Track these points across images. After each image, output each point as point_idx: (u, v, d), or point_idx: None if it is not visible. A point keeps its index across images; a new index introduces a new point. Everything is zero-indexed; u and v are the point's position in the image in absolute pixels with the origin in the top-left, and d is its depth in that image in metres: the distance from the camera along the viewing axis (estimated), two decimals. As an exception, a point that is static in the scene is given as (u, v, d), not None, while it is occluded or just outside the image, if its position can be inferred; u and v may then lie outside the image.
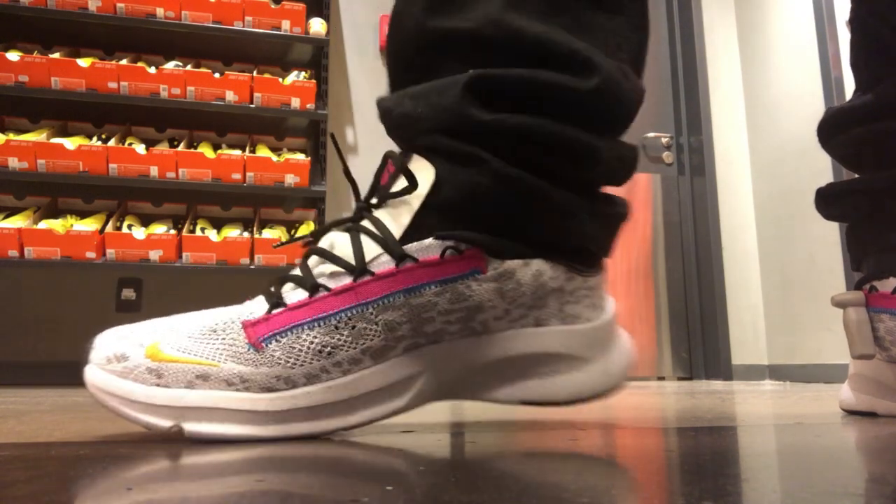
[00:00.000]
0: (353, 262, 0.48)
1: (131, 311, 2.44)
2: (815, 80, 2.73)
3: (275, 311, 0.48)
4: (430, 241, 0.48)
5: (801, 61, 2.83)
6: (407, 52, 0.51)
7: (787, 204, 2.87)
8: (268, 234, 2.33)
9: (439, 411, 0.96)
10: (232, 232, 2.34)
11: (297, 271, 0.50)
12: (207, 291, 2.51)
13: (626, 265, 2.99)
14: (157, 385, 0.46)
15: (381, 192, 0.51)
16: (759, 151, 3.08)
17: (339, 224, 0.52)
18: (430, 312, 0.48)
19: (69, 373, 2.63)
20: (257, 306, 0.49)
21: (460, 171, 0.47)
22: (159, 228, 2.28)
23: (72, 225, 2.22)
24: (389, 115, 0.52)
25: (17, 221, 2.19)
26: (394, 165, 0.50)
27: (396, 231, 0.49)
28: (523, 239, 0.49)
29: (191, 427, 0.46)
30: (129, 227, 2.26)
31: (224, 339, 0.48)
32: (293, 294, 0.49)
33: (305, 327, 0.47)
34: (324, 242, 0.51)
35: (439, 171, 0.48)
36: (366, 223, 0.50)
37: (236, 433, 0.46)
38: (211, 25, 2.42)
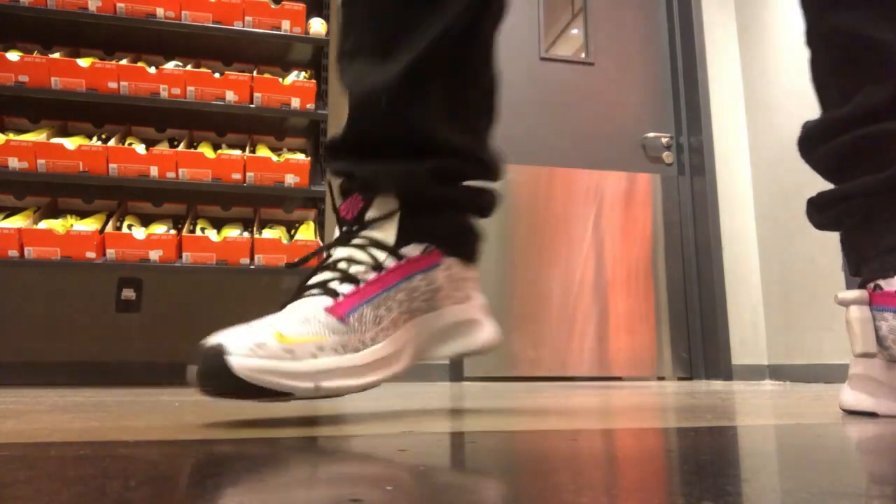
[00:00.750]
0: (373, 262, 0.70)
1: (131, 311, 2.44)
2: (815, 80, 2.73)
3: (341, 297, 0.67)
4: (413, 245, 0.73)
5: (801, 61, 2.81)
6: (374, 136, 0.76)
7: (787, 204, 2.87)
8: (268, 234, 2.33)
9: (439, 412, 0.96)
10: (232, 232, 2.34)
11: (328, 273, 0.70)
12: (207, 291, 2.51)
13: (626, 265, 2.99)
14: (292, 360, 0.61)
15: (369, 218, 0.73)
16: (759, 151, 3.08)
17: (342, 243, 0.73)
18: (416, 293, 0.73)
19: (69, 373, 2.64)
20: (317, 301, 0.67)
21: (418, 208, 0.74)
22: (159, 228, 2.28)
23: (72, 225, 2.22)
24: (354, 179, 0.77)
25: (17, 221, 2.19)
26: (363, 200, 0.74)
27: (391, 241, 0.72)
28: (451, 244, 0.77)
29: (324, 384, 0.63)
30: (129, 227, 2.26)
31: (319, 321, 0.65)
32: (345, 286, 0.69)
33: (364, 305, 0.68)
34: (341, 253, 0.71)
35: (402, 205, 0.73)
36: (366, 238, 0.72)
37: (345, 385, 0.65)
38: (211, 25, 2.42)
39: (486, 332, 0.80)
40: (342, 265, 0.70)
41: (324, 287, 0.68)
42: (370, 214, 0.73)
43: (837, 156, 0.87)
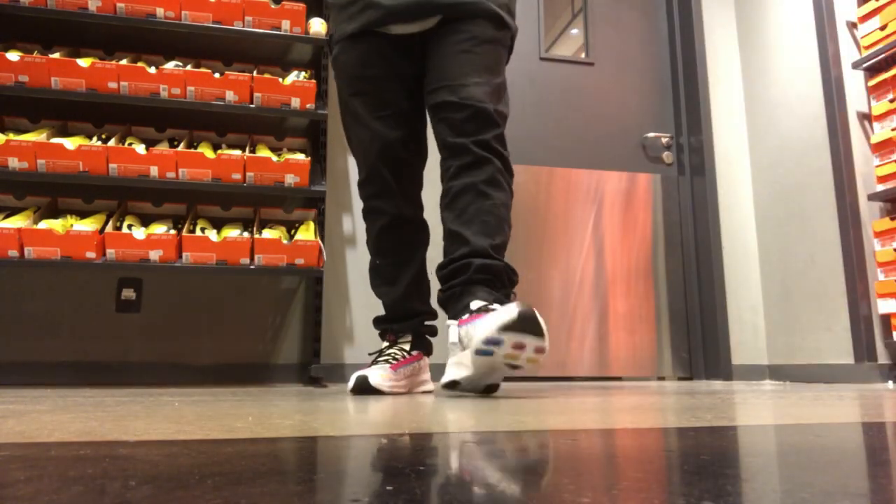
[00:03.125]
0: (402, 355, 1.68)
1: (131, 311, 2.44)
2: (815, 80, 2.73)
3: (393, 363, 1.66)
4: (415, 351, 1.73)
5: (801, 61, 2.83)
6: (396, 315, 1.77)
7: (787, 204, 2.87)
8: (268, 234, 2.33)
9: (439, 412, 0.96)
10: (232, 232, 2.34)
11: (388, 356, 1.67)
12: (207, 291, 2.51)
13: (626, 265, 2.99)
14: (392, 382, 1.63)
15: (400, 341, 1.74)
16: (759, 151, 3.08)
17: (391, 347, 1.72)
18: (414, 368, 1.72)
19: (69, 373, 2.64)
20: (385, 365, 1.64)
21: (415, 338, 1.75)
22: (159, 228, 2.28)
23: (72, 225, 2.22)
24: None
25: (17, 221, 2.19)
26: (395, 335, 1.75)
27: (407, 349, 1.72)
28: (426, 352, 1.81)
29: (395, 391, 1.62)
30: (129, 227, 2.26)
31: (389, 371, 1.61)
32: (394, 361, 1.66)
33: (401, 368, 1.66)
34: (392, 351, 1.69)
35: (412, 337, 1.76)
36: (399, 348, 1.72)
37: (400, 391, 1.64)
38: (211, 25, 2.42)
39: (430, 384, 1.76)
40: (396, 355, 1.67)
41: (386, 360, 1.65)
42: (400, 341, 1.71)
43: None
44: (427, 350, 1.73)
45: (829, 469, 0.37)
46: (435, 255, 1.69)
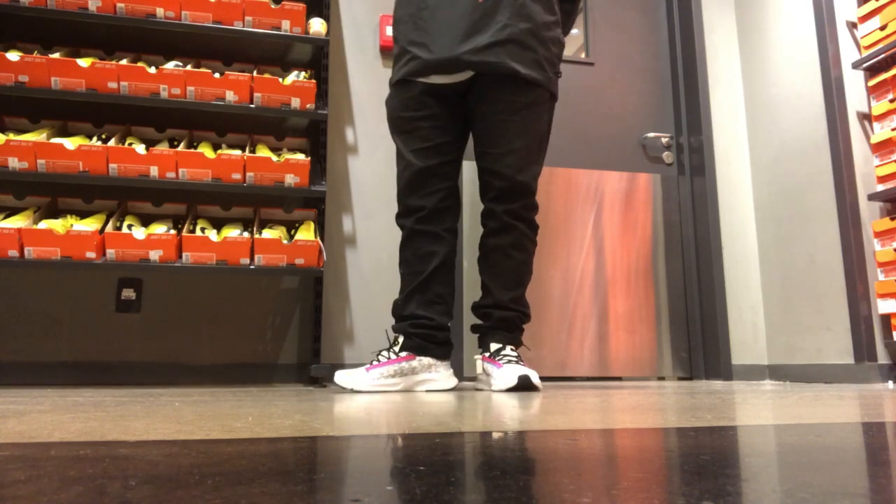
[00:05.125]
0: (389, 356, 1.91)
1: (131, 311, 2.44)
2: (815, 80, 2.73)
3: (383, 360, 1.89)
4: (405, 352, 1.90)
5: (801, 61, 2.83)
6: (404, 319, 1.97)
7: (787, 204, 2.87)
8: (268, 234, 2.33)
9: (439, 412, 0.96)
10: (232, 232, 2.34)
11: (382, 356, 1.90)
12: (207, 291, 2.51)
13: (626, 265, 2.99)
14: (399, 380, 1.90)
15: (400, 343, 1.92)
16: (759, 151, 3.08)
17: (390, 349, 1.92)
18: (404, 368, 1.89)
19: (69, 373, 2.64)
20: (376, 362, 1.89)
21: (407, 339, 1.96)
22: (159, 228, 2.27)
23: (72, 225, 2.22)
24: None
25: (17, 221, 2.19)
26: (396, 334, 1.97)
27: (397, 349, 1.91)
28: (418, 352, 1.91)
29: (383, 388, 1.84)
30: (129, 227, 2.26)
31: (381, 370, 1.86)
32: (381, 358, 1.89)
33: (388, 366, 1.87)
34: (385, 352, 1.92)
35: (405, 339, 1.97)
36: (392, 350, 1.93)
37: (388, 388, 1.85)
38: (211, 25, 2.42)
39: (440, 384, 1.89)
40: (385, 355, 1.87)
41: (371, 361, 1.86)
42: (401, 342, 1.88)
43: None
44: (421, 351, 1.88)
45: (829, 469, 0.37)
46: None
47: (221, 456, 0.42)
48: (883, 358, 2.44)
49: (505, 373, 1.78)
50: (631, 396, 1.45)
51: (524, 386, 1.74)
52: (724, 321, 2.93)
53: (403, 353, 1.87)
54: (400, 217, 1.98)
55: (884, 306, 2.43)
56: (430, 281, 1.92)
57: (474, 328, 2.01)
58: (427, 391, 1.80)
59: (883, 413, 0.93)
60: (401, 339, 1.89)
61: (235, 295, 2.53)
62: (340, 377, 1.81)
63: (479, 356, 1.98)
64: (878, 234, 2.50)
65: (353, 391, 1.76)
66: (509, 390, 1.73)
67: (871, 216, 2.54)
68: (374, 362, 1.86)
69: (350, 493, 0.30)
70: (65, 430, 0.59)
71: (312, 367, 2.33)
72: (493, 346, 1.91)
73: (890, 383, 2.38)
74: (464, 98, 1.97)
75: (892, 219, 2.44)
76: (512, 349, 1.89)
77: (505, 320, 1.94)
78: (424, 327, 1.89)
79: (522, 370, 1.76)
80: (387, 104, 2.03)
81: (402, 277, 1.98)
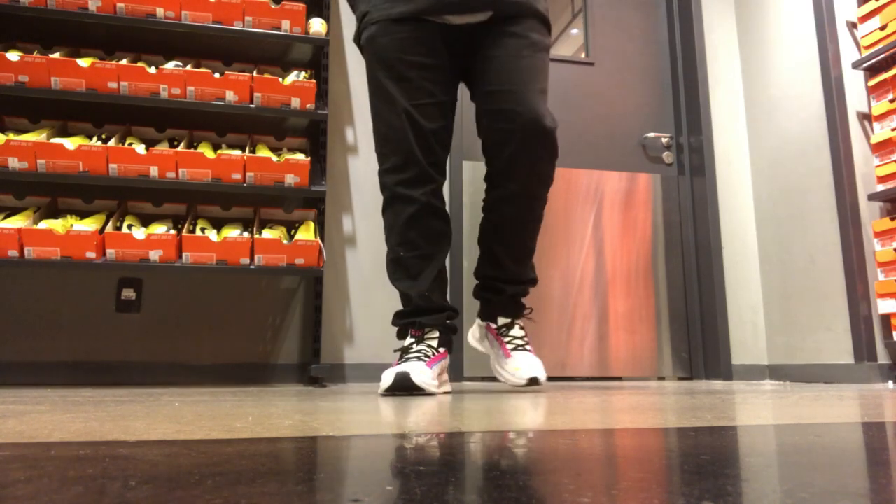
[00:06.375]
0: (431, 352, 1.66)
1: (131, 311, 2.44)
2: (815, 80, 2.73)
3: (427, 361, 1.63)
4: (442, 348, 1.70)
5: (801, 61, 2.83)
6: (420, 309, 1.72)
7: (787, 204, 2.87)
8: (268, 234, 2.33)
9: (439, 411, 0.96)
10: (232, 232, 2.34)
11: (420, 353, 1.63)
12: (207, 291, 2.51)
13: (626, 265, 2.99)
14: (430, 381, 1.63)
15: (427, 337, 1.69)
16: (759, 151, 3.08)
17: (418, 343, 1.66)
18: (442, 367, 1.71)
19: (69, 373, 2.63)
20: (421, 362, 1.60)
21: (441, 333, 1.72)
22: (159, 228, 2.27)
23: (72, 225, 2.22)
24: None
25: (17, 221, 2.19)
26: (420, 330, 1.69)
27: (435, 345, 1.68)
28: (450, 348, 1.75)
29: (432, 390, 1.60)
30: (129, 227, 2.26)
31: (427, 368, 1.61)
32: (425, 359, 1.63)
33: (434, 366, 1.65)
34: (420, 347, 1.65)
35: (440, 332, 1.73)
36: (427, 345, 1.67)
37: (433, 390, 1.60)
38: (211, 25, 2.42)
39: (447, 386, 1.74)
40: (426, 351, 1.63)
41: (418, 357, 1.60)
42: (427, 336, 1.66)
43: None
44: (450, 347, 1.73)
45: (829, 469, 0.37)
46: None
47: (221, 456, 0.42)
48: (883, 358, 2.44)
49: (515, 366, 1.67)
50: (631, 396, 1.45)
51: (534, 383, 1.65)
52: (724, 321, 2.94)
53: (441, 350, 1.66)
54: (403, 186, 1.65)
55: (884, 306, 2.43)
56: (444, 266, 1.74)
57: (479, 296, 1.81)
58: (443, 392, 1.64)
59: (883, 413, 0.93)
60: (434, 334, 1.66)
61: (235, 295, 2.53)
62: (417, 375, 1.51)
63: (483, 324, 1.82)
64: (878, 234, 2.50)
65: (420, 391, 1.51)
66: (521, 387, 1.68)
67: (871, 216, 2.54)
68: (426, 358, 1.60)
69: (350, 493, 0.30)
70: (65, 430, 0.59)
71: (312, 367, 2.33)
72: (501, 320, 1.77)
73: (890, 383, 2.38)
74: (464, 49, 1.69)
75: (892, 219, 2.44)
76: (520, 327, 1.76)
77: (516, 294, 1.77)
78: (453, 321, 1.73)
79: (532, 369, 1.65)
80: (371, 42, 1.68)
81: (404, 261, 1.68)
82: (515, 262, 1.74)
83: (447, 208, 1.84)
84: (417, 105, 1.64)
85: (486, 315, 1.82)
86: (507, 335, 1.75)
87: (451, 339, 1.74)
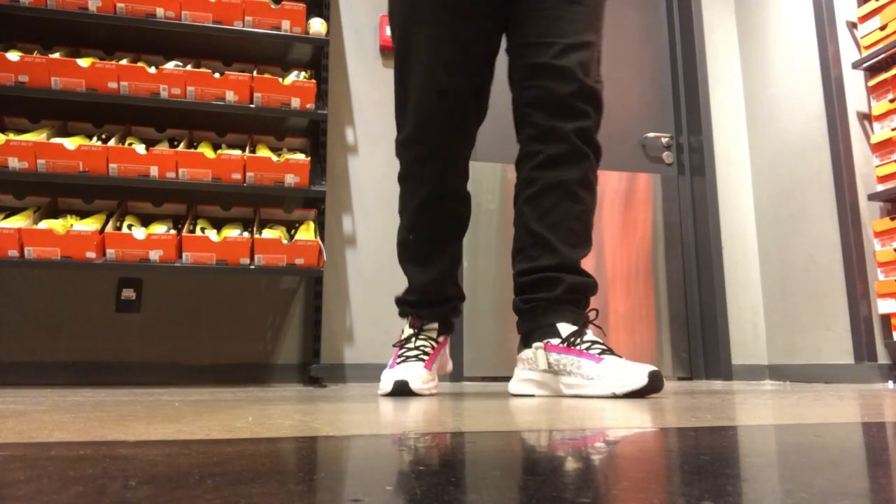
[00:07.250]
0: (431, 346, 1.53)
1: (131, 311, 2.44)
2: (815, 80, 2.73)
3: (426, 360, 1.49)
4: (442, 336, 1.58)
5: (801, 61, 2.83)
6: (424, 299, 1.57)
7: (787, 204, 2.87)
8: (268, 234, 2.33)
9: (439, 411, 0.96)
10: (232, 232, 2.34)
11: (418, 351, 1.49)
12: (207, 291, 2.51)
13: (626, 265, 2.99)
14: (424, 384, 1.46)
15: (426, 328, 1.55)
16: (759, 151, 3.08)
17: (417, 338, 1.52)
18: (443, 355, 1.61)
19: (69, 373, 2.64)
20: (419, 363, 1.48)
21: (443, 323, 1.59)
22: (159, 228, 2.28)
23: (72, 225, 2.22)
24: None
25: (17, 221, 2.19)
26: (421, 319, 1.55)
27: (435, 336, 1.56)
28: (450, 332, 1.62)
29: (433, 390, 1.50)
30: (129, 227, 2.26)
31: (424, 369, 1.47)
32: (424, 356, 1.50)
33: (433, 363, 1.54)
34: (419, 343, 1.52)
35: (439, 322, 1.58)
36: (426, 337, 1.53)
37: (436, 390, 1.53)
38: (211, 25, 2.42)
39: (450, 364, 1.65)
40: (425, 348, 1.50)
41: (417, 357, 1.47)
42: (426, 328, 1.53)
43: None
44: (450, 329, 1.56)
45: (829, 469, 0.37)
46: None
47: (221, 456, 0.42)
48: (883, 358, 2.44)
49: (616, 368, 1.21)
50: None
51: (652, 387, 1.18)
52: (724, 321, 2.93)
53: (441, 338, 1.51)
54: (416, 164, 1.44)
55: (884, 306, 2.43)
56: (459, 253, 1.54)
57: (524, 304, 1.38)
58: (446, 372, 1.64)
59: (883, 413, 0.93)
60: (434, 326, 1.52)
61: (235, 295, 2.53)
62: (415, 382, 1.38)
63: (541, 344, 1.34)
64: (878, 234, 2.50)
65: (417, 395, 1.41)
66: (629, 395, 1.19)
67: (871, 216, 2.54)
68: (425, 357, 1.46)
69: (350, 493, 0.30)
70: (65, 430, 0.59)
71: (312, 367, 2.33)
72: (565, 329, 1.31)
73: (890, 383, 2.38)
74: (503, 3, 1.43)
75: (892, 219, 2.44)
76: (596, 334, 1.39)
77: (577, 290, 1.34)
78: (459, 311, 1.57)
79: (643, 365, 1.21)
80: None
81: (413, 245, 1.51)
82: (568, 246, 1.37)
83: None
84: (444, 61, 1.38)
85: (537, 328, 1.39)
86: (581, 342, 1.31)
87: (454, 322, 1.56)
